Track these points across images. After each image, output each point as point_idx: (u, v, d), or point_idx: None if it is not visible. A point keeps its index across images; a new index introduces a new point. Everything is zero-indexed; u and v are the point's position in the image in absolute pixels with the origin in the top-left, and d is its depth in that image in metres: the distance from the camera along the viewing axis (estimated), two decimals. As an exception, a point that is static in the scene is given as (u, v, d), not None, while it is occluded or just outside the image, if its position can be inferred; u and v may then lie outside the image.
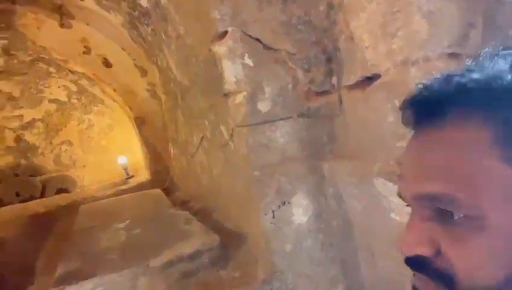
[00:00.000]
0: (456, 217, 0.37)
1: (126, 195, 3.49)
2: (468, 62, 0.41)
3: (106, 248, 1.88)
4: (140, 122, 3.88)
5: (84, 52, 3.42)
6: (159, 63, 2.89)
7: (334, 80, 1.68)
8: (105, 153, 4.53)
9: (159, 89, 3.37)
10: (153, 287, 1.55)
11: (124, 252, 1.79)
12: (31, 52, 3.47)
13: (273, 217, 1.54)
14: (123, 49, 3.31)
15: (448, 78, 0.40)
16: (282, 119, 1.57)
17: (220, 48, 1.51)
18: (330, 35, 1.61)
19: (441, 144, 0.39)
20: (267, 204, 1.55)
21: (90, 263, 1.72)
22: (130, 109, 3.81)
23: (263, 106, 1.55)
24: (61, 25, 3.18)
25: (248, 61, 1.53)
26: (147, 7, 2.36)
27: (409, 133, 0.45)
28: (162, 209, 2.63)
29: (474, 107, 0.38)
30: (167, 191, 3.43)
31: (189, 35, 1.87)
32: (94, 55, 3.43)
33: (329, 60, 1.68)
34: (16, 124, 4.29)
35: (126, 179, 4.37)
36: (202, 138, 2.20)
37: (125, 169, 4.41)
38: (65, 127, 4.47)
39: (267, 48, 1.55)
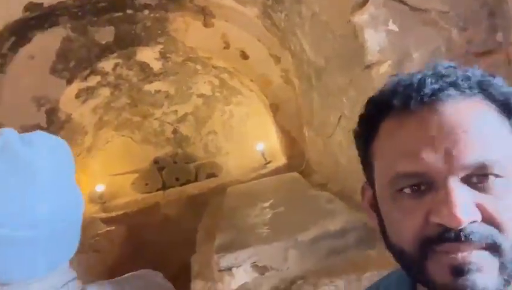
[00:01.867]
0: (489, 181, 0.41)
1: (266, 178, 3.70)
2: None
3: (255, 223, 2.02)
4: (275, 108, 4.04)
5: (224, 48, 3.72)
6: (292, 48, 2.94)
7: (500, 36, 1.43)
8: (245, 140, 4.87)
9: (292, 74, 3.45)
10: (303, 260, 1.60)
11: (272, 227, 1.89)
12: (181, 53, 3.95)
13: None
14: (258, 40, 3.48)
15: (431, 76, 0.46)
16: (434, 86, 1.42)
17: (361, 17, 1.44)
18: (493, -17, 1.37)
19: (466, 115, 0.43)
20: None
21: (243, 236, 1.87)
22: (266, 96, 4.00)
23: (411, 74, 1.42)
24: (205, 25, 3.52)
25: (393, 26, 1.42)
26: (280, -7, 2.42)
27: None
28: (302, 190, 2.69)
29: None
30: (303, 174, 3.50)
31: (325, 11, 1.85)
32: (233, 49, 3.70)
33: (491, 14, 1.44)
34: (172, 118, 4.97)
35: (264, 164, 4.63)
36: (340, 116, 2.16)
37: (263, 155, 4.66)
38: (210, 118, 4.96)
39: (414, 9, 1.42)
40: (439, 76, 0.45)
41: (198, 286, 1.69)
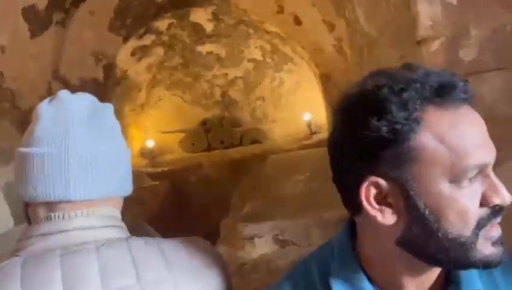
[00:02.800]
0: None
1: (308, 150, 3.64)
2: None
3: (285, 196, 2.02)
4: (325, 79, 3.89)
5: (277, 12, 3.59)
6: (347, 16, 2.76)
7: None
8: (292, 109, 4.80)
9: (345, 44, 3.26)
10: (325, 239, 1.57)
11: (301, 202, 1.87)
12: (234, 15, 3.89)
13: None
14: (313, 5, 3.31)
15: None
16: (492, 70, 1.26)
17: (415, -14, 1.29)
18: None
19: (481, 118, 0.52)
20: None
21: (270, 207, 1.88)
22: (316, 66, 3.86)
23: (467, 54, 1.27)
24: (259, -13, 3.40)
25: (451, -1, 1.26)
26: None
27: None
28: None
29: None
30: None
31: (380, -23, 1.68)
32: (286, 13, 3.57)
33: None
34: (222, 81, 5.00)
35: (310, 134, 4.55)
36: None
37: (309, 125, 4.57)
38: (260, 84, 4.92)
39: (479, -21, 1.24)
40: (463, 80, 0.50)
41: (221, 250, 1.74)
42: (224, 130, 5.00)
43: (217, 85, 5.02)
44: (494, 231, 0.50)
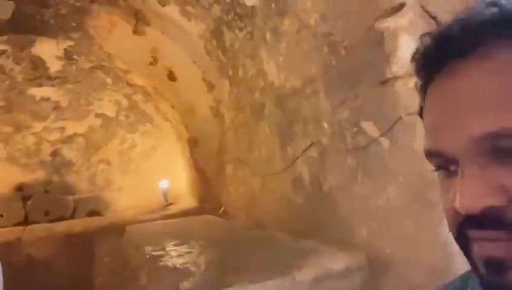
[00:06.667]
0: None
1: (178, 219, 3.13)
2: None
3: (180, 272, 1.52)
4: (193, 143, 3.62)
5: (150, 63, 3.25)
6: (240, 75, 2.69)
7: None
8: (144, 177, 4.21)
9: (225, 106, 3.15)
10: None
11: (212, 275, 1.43)
12: (93, 58, 3.30)
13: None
14: (194, 62, 3.14)
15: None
16: None
17: (398, 21, 1.29)
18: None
19: (486, 74, 0.34)
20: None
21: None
22: (186, 128, 3.57)
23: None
24: (135, 31, 3.04)
25: (428, 39, 1.30)
26: (252, 6, 2.19)
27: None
28: (239, 232, 2.27)
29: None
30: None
31: (327, 21, 1.67)
32: (160, 66, 3.26)
33: None
34: (55, 136, 4.02)
35: (165, 205, 4.01)
36: (310, 145, 1.92)
37: (165, 195, 4.06)
38: (106, 145, 4.19)
39: (447, 28, 1.33)
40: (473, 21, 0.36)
41: None
42: (50, 198, 3.89)
43: (48, 141, 4.00)
44: (486, 246, 0.35)
